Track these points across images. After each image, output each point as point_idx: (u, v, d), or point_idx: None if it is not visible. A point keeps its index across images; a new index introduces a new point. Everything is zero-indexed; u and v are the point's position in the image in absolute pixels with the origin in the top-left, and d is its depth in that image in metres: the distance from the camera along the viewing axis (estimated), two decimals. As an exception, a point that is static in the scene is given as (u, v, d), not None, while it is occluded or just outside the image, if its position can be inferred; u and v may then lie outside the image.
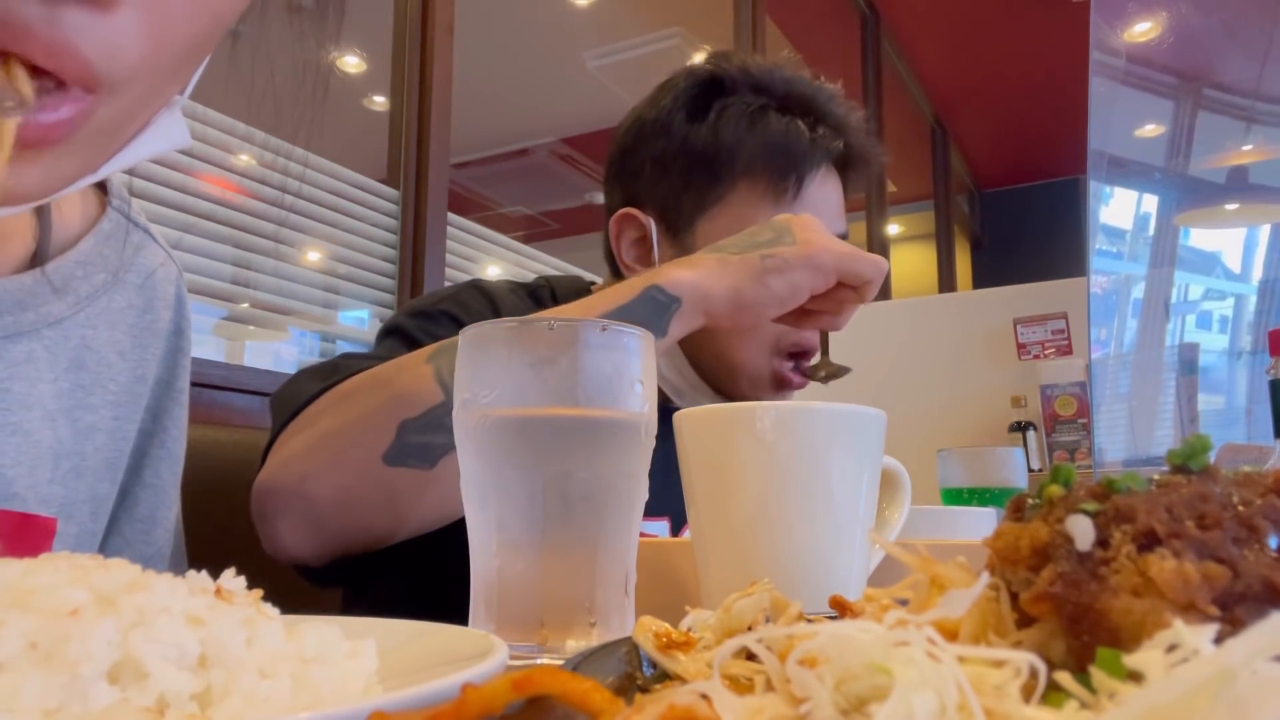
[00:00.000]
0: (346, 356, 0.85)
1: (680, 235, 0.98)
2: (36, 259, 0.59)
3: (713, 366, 0.98)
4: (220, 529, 1.15)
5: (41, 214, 0.60)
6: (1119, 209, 1.71)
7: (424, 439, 0.69)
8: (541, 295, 1.03)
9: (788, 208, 0.95)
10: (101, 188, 0.66)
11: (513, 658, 0.45)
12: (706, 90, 0.98)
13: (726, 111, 0.96)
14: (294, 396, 0.77)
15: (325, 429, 0.72)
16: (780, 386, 0.97)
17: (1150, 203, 1.70)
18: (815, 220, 0.82)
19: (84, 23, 0.37)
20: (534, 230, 6.47)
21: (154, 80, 0.43)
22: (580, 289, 1.05)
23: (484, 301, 0.94)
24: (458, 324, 0.90)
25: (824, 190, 0.98)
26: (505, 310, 0.94)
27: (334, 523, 0.71)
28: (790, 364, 0.97)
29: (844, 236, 0.99)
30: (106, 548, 0.66)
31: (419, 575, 0.85)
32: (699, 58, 1.10)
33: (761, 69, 1.00)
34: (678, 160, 0.97)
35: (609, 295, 0.75)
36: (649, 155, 1.00)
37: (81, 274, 0.61)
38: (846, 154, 1.00)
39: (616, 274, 1.06)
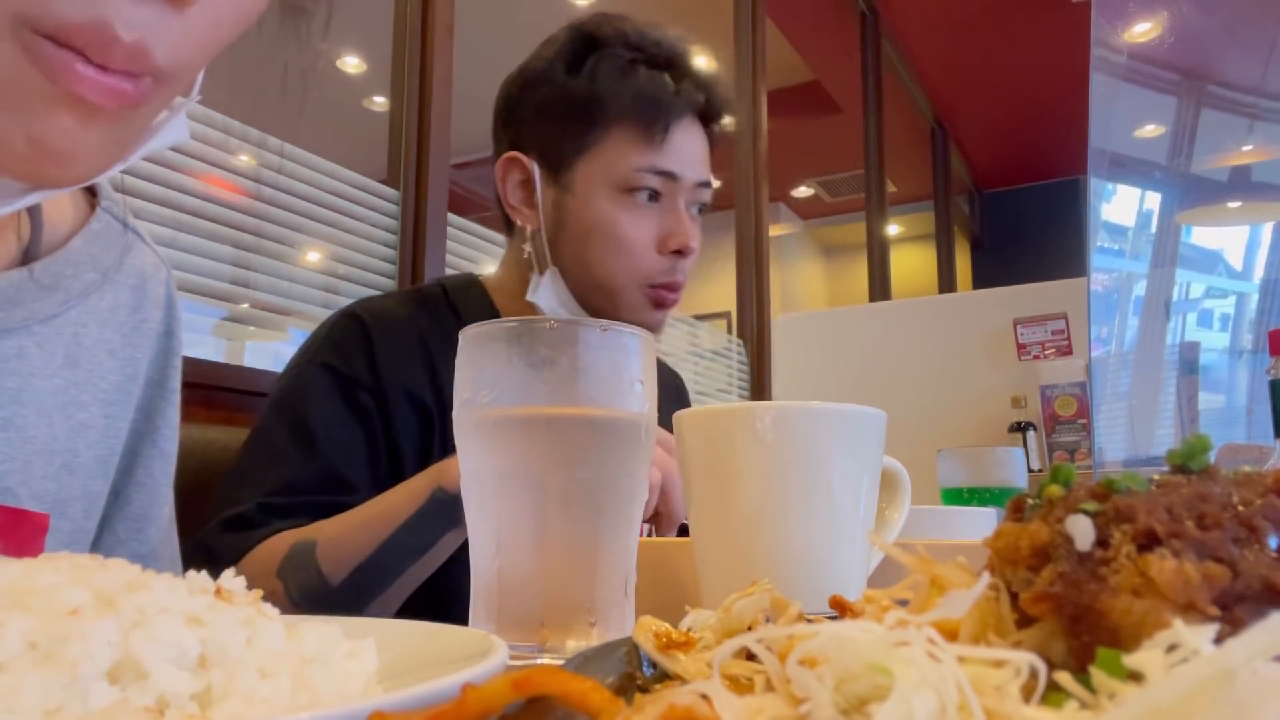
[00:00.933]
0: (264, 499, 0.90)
1: (560, 176, 1.06)
2: (27, 257, 0.60)
3: (590, 298, 1.07)
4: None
5: (33, 213, 0.61)
6: (1120, 207, 1.71)
7: (303, 597, 0.81)
8: (431, 295, 1.09)
9: (657, 152, 1.04)
10: (90, 190, 0.66)
11: (513, 658, 0.45)
12: (584, 45, 1.07)
13: (601, 64, 1.05)
14: (210, 559, 0.83)
15: (257, 560, 0.84)
16: (659, 305, 1.08)
17: (1152, 201, 1.70)
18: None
19: (161, 18, 0.43)
20: (534, 230, 6.47)
21: (191, 77, 0.49)
22: (470, 283, 1.12)
23: (357, 340, 0.99)
24: (337, 374, 0.96)
25: (688, 138, 1.07)
26: (380, 338, 0.99)
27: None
28: (663, 287, 1.07)
29: (706, 184, 1.09)
30: (99, 546, 0.67)
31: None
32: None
33: (635, 29, 1.08)
34: (557, 107, 1.06)
35: (398, 500, 0.80)
36: (532, 103, 1.08)
37: (71, 272, 0.61)
38: (709, 107, 1.10)
39: (507, 225, 1.14)
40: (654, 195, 1.05)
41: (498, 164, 1.10)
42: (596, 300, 1.07)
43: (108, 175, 0.49)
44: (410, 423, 0.97)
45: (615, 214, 1.04)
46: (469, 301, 1.09)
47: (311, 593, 0.81)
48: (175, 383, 0.72)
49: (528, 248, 1.08)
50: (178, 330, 0.71)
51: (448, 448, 0.97)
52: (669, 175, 1.05)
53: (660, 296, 1.07)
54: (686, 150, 1.07)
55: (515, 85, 1.11)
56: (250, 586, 0.73)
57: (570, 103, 1.05)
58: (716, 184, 1.13)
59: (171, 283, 0.72)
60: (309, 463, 0.91)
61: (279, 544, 0.83)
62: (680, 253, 1.06)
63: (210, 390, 1.39)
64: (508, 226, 1.15)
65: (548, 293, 1.06)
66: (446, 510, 0.78)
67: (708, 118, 1.11)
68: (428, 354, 1.00)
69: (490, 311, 1.09)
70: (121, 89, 0.43)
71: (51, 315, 0.60)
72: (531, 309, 1.08)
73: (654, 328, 1.08)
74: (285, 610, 0.73)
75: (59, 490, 0.61)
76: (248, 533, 0.86)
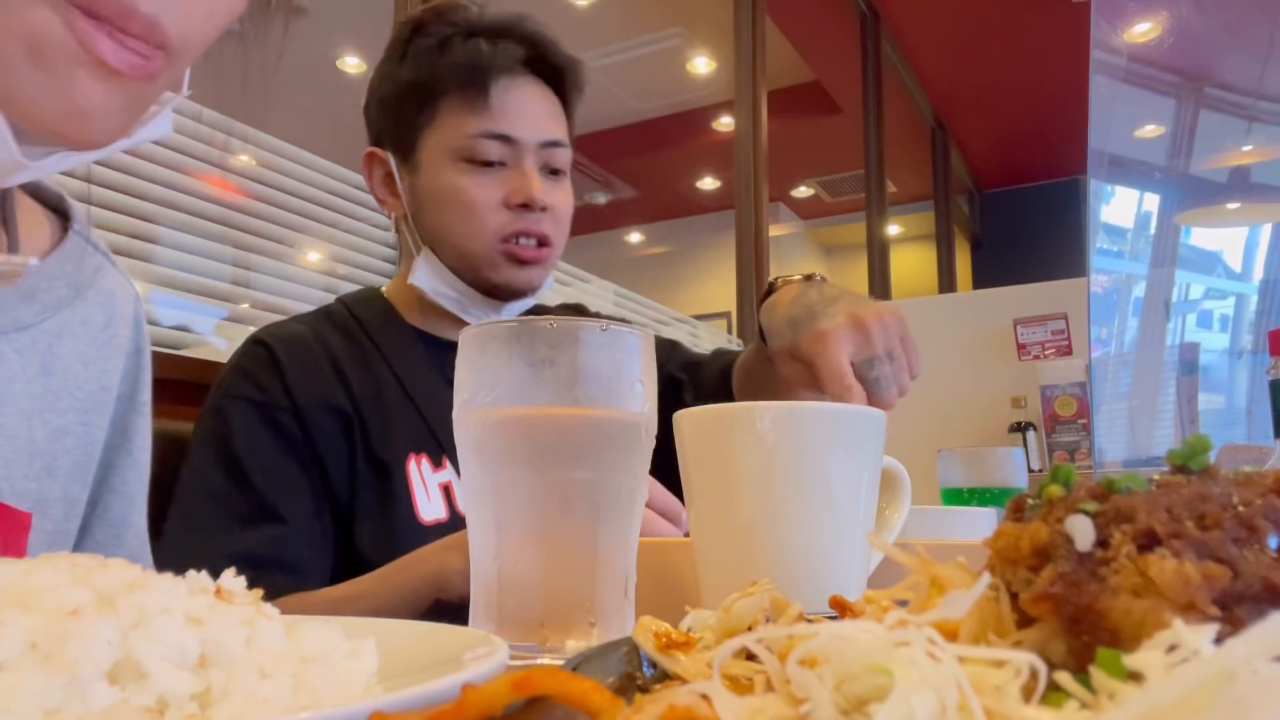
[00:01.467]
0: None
1: (410, 159, 1.10)
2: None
3: (461, 269, 1.09)
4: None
5: (9, 227, 0.64)
6: (1120, 208, 1.71)
7: None
8: (334, 312, 1.12)
9: (486, 116, 1.06)
10: (63, 216, 0.70)
11: (513, 658, 0.45)
12: (409, 35, 1.11)
13: (420, 45, 1.09)
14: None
15: None
16: (518, 261, 1.08)
17: (1151, 202, 1.70)
18: None
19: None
20: (534, 230, 6.46)
21: (190, 60, 0.54)
22: (372, 297, 1.15)
23: (266, 365, 1.02)
24: (254, 403, 0.99)
25: (520, 99, 1.08)
26: (288, 360, 1.01)
27: None
28: (516, 242, 1.08)
29: (555, 144, 1.10)
30: (81, 550, 0.68)
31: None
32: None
33: (459, 12, 1.11)
34: (394, 96, 1.10)
35: (392, 602, 0.81)
36: (376, 99, 1.13)
37: (46, 286, 0.65)
38: (539, 62, 1.10)
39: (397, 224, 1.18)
40: (500, 163, 1.06)
41: (362, 160, 1.15)
42: (463, 269, 1.09)
43: (107, 151, 0.54)
44: (332, 432, 0.99)
45: (457, 180, 1.06)
46: (371, 313, 1.12)
47: None
48: (146, 396, 0.76)
49: (406, 235, 1.13)
50: (146, 348, 0.76)
51: (371, 448, 0.99)
52: (505, 139, 1.06)
53: (515, 252, 1.07)
54: (519, 111, 1.07)
55: (368, 91, 1.15)
56: None
57: (402, 88, 1.09)
58: (568, 147, 1.14)
59: (140, 304, 0.76)
60: (251, 505, 0.93)
61: None
62: (527, 206, 1.06)
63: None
64: (397, 229, 1.19)
65: (425, 273, 1.09)
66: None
67: (542, 74, 1.11)
68: (337, 367, 1.03)
69: (393, 317, 1.12)
70: (140, 59, 0.49)
71: (28, 324, 0.63)
72: (421, 300, 1.11)
73: (524, 286, 1.10)
74: None
75: (40, 491, 0.63)
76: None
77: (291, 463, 0.97)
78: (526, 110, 1.08)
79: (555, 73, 1.12)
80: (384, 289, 1.18)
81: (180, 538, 0.93)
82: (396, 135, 1.10)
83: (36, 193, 0.69)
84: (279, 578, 0.89)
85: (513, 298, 1.11)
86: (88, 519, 0.70)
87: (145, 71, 0.50)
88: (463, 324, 1.07)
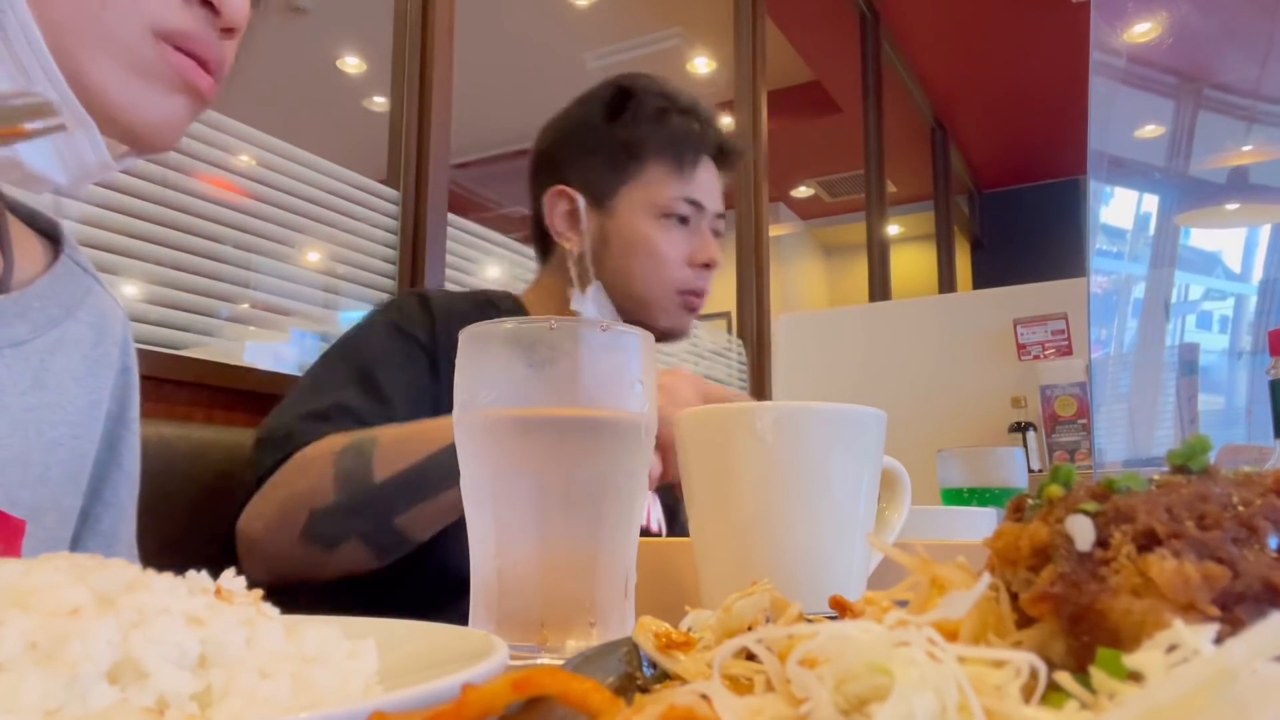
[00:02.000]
0: (311, 410, 1.01)
1: (604, 204, 1.25)
2: (1, 288, 0.66)
3: (628, 308, 1.25)
4: (218, 524, 1.15)
5: (4, 249, 0.67)
6: (1119, 209, 1.71)
7: (325, 529, 0.89)
8: (487, 299, 1.23)
9: (687, 183, 1.25)
10: (54, 240, 0.74)
11: (513, 658, 0.45)
12: (622, 96, 1.28)
13: (640, 111, 1.26)
14: (273, 444, 0.97)
15: (272, 500, 0.94)
16: (689, 310, 1.27)
17: (1150, 203, 1.70)
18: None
19: (220, 39, 0.61)
20: (534, 230, 6.47)
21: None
22: (506, 296, 1.27)
23: (422, 312, 1.12)
24: (399, 329, 1.09)
25: (709, 174, 1.29)
26: (441, 317, 1.11)
27: (277, 567, 0.93)
28: (691, 294, 1.26)
29: (722, 215, 1.31)
30: None
31: (414, 576, 0.97)
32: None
33: (661, 84, 1.31)
34: (602, 147, 1.26)
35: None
36: (576, 145, 1.28)
37: (39, 305, 0.68)
38: (723, 150, 1.31)
39: (543, 252, 1.33)
40: (683, 220, 1.25)
41: (545, 196, 1.27)
42: (635, 309, 1.24)
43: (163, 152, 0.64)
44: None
45: (654, 234, 1.23)
46: (511, 313, 1.21)
47: (355, 485, 0.87)
48: (134, 413, 0.79)
49: (573, 267, 1.26)
50: (133, 367, 0.78)
51: None
52: (696, 204, 1.25)
53: (690, 302, 1.26)
54: (708, 184, 1.28)
55: (558, 134, 1.31)
56: (308, 469, 0.87)
57: (614, 143, 1.25)
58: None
59: (128, 325, 0.79)
60: (368, 386, 1.02)
61: (347, 436, 0.92)
62: (707, 265, 1.26)
63: (210, 390, 1.39)
64: (541, 253, 1.33)
65: (592, 304, 1.24)
66: None
67: (721, 158, 1.32)
68: None
69: None
70: (213, 85, 0.61)
71: (21, 341, 0.65)
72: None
73: (685, 331, 1.29)
74: (327, 500, 0.87)
75: (33, 499, 0.65)
76: (324, 423, 0.96)
77: (413, 385, 1.04)
78: (712, 184, 1.29)
79: (728, 159, 1.33)
80: (520, 294, 1.30)
81: (290, 399, 1.02)
82: (592, 180, 1.26)
83: (29, 217, 0.73)
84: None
85: (667, 340, 1.29)
86: (79, 530, 0.72)
87: (212, 95, 0.62)
88: None
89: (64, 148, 0.56)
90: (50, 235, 0.74)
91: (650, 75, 1.32)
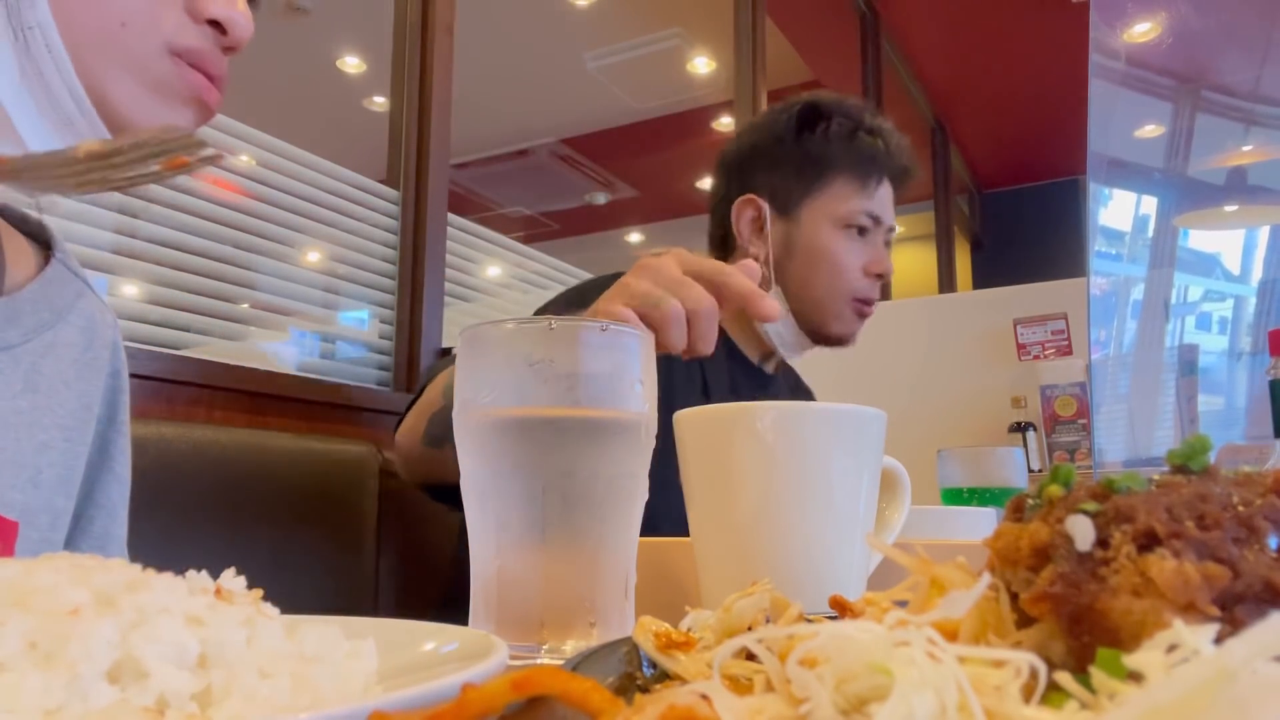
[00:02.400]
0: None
1: (789, 213, 1.36)
2: None
3: (803, 313, 1.34)
4: (219, 524, 1.15)
5: None
6: (1118, 210, 1.71)
7: (434, 430, 1.01)
8: None
9: (870, 198, 1.34)
10: (46, 244, 0.75)
11: (513, 658, 0.45)
12: (813, 113, 1.38)
13: (830, 127, 1.36)
14: (426, 372, 1.19)
15: (410, 415, 1.08)
16: (861, 317, 1.37)
17: (1150, 204, 1.69)
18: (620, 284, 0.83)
19: (224, 56, 0.64)
20: (534, 231, 6.47)
21: None
22: None
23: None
24: (572, 305, 1.18)
25: (887, 190, 1.38)
26: None
27: (414, 469, 1.08)
28: (865, 302, 1.36)
29: (893, 228, 1.39)
30: None
31: None
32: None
33: (844, 102, 1.41)
34: (791, 160, 1.36)
35: None
36: (765, 157, 1.38)
37: (30, 309, 0.68)
38: (904, 170, 1.41)
39: (721, 255, 1.42)
40: (861, 231, 1.34)
41: (735, 204, 1.38)
42: (811, 313, 1.34)
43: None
44: None
45: (836, 244, 1.33)
46: None
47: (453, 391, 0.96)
48: (125, 416, 0.79)
49: (764, 270, 1.34)
50: (124, 371, 0.79)
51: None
52: (875, 218, 1.34)
53: (862, 310, 1.35)
54: (887, 200, 1.38)
55: (747, 144, 1.41)
56: (433, 386, 1.04)
57: (804, 157, 1.35)
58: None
59: (118, 330, 0.79)
60: None
61: None
62: (880, 276, 1.35)
63: (210, 390, 1.39)
64: (720, 256, 1.42)
65: (781, 326, 1.34)
66: None
67: (900, 177, 1.41)
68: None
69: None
70: (219, 100, 0.64)
71: (12, 345, 0.66)
72: (751, 333, 1.37)
73: (853, 337, 1.37)
74: (435, 405, 1.02)
75: (25, 501, 0.66)
76: None
77: None
78: (888, 200, 1.38)
79: (906, 177, 1.42)
80: None
81: None
82: (779, 190, 1.36)
83: (20, 221, 0.73)
84: None
85: (837, 344, 1.37)
86: (71, 532, 0.73)
87: (219, 106, 0.65)
88: (767, 353, 1.40)
89: None
90: (41, 239, 0.75)
91: (840, 96, 1.43)
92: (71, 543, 0.73)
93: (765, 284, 1.30)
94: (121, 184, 0.54)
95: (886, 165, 1.36)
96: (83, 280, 0.76)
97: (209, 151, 0.54)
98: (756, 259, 1.28)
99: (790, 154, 1.35)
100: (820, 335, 1.35)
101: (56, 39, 0.55)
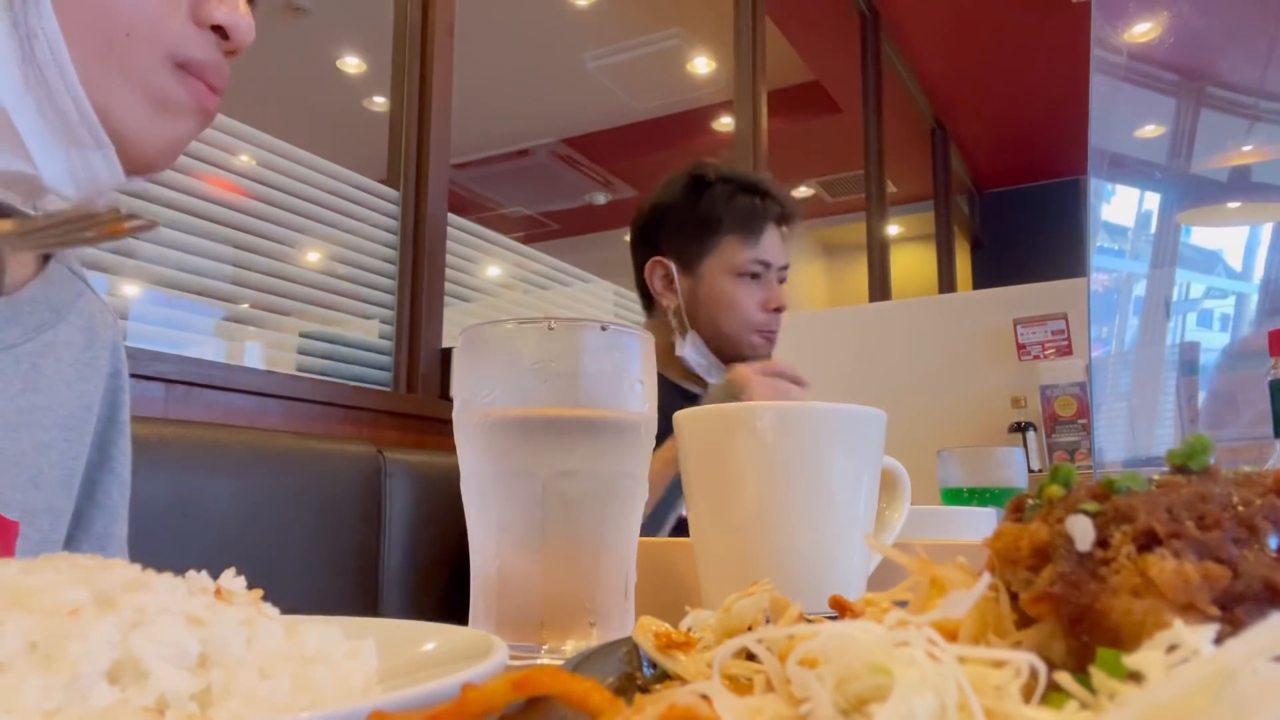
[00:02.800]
0: None
1: (691, 269, 1.60)
2: None
3: (720, 348, 1.59)
4: (220, 524, 1.15)
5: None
6: (1120, 207, 1.71)
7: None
8: None
9: (755, 248, 1.59)
10: None
11: (513, 658, 0.45)
12: (698, 181, 1.63)
13: (715, 193, 1.60)
14: None
15: None
16: (769, 342, 1.63)
17: (1152, 201, 1.69)
18: (748, 373, 1.42)
19: (225, 62, 0.63)
20: (534, 231, 6.47)
21: None
22: None
23: None
24: None
25: (772, 237, 1.63)
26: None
27: None
28: (767, 331, 1.62)
29: (786, 266, 1.65)
30: None
31: None
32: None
33: (730, 170, 1.65)
34: (687, 224, 1.60)
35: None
36: (665, 222, 1.62)
37: (30, 309, 0.68)
38: (783, 216, 1.65)
39: (647, 305, 1.68)
40: (754, 276, 1.58)
41: (646, 265, 1.63)
42: (725, 348, 1.58)
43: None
44: None
45: (734, 291, 1.57)
46: None
47: None
48: (125, 415, 0.79)
49: (672, 319, 1.60)
50: (124, 371, 0.79)
51: None
52: (764, 263, 1.59)
53: (767, 336, 1.62)
54: (772, 246, 1.61)
55: (653, 212, 1.64)
56: None
57: (697, 220, 1.59)
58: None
59: (118, 330, 0.79)
60: None
61: None
62: (778, 309, 1.61)
63: (211, 390, 1.39)
64: (647, 307, 1.68)
65: (691, 350, 1.58)
66: None
67: (783, 221, 1.64)
68: None
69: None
70: (219, 106, 0.64)
71: (12, 344, 0.66)
72: (677, 363, 1.59)
73: (769, 355, 1.62)
74: None
75: (26, 501, 0.66)
76: None
77: None
78: (777, 244, 1.62)
79: (788, 221, 1.65)
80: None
81: None
82: (682, 250, 1.60)
83: None
84: None
85: (754, 359, 1.59)
86: (72, 531, 0.73)
87: (217, 112, 0.65)
88: (701, 382, 1.61)
89: (79, 166, 0.58)
90: None
91: (719, 163, 1.67)
92: (72, 542, 0.73)
93: (682, 329, 1.58)
94: (52, 247, 0.55)
95: (767, 216, 1.59)
96: (83, 280, 0.76)
97: (139, 222, 0.54)
98: (668, 309, 1.61)
99: (688, 217, 1.59)
100: (739, 360, 1.56)
101: (62, 47, 0.55)
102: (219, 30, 0.61)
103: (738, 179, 1.62)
